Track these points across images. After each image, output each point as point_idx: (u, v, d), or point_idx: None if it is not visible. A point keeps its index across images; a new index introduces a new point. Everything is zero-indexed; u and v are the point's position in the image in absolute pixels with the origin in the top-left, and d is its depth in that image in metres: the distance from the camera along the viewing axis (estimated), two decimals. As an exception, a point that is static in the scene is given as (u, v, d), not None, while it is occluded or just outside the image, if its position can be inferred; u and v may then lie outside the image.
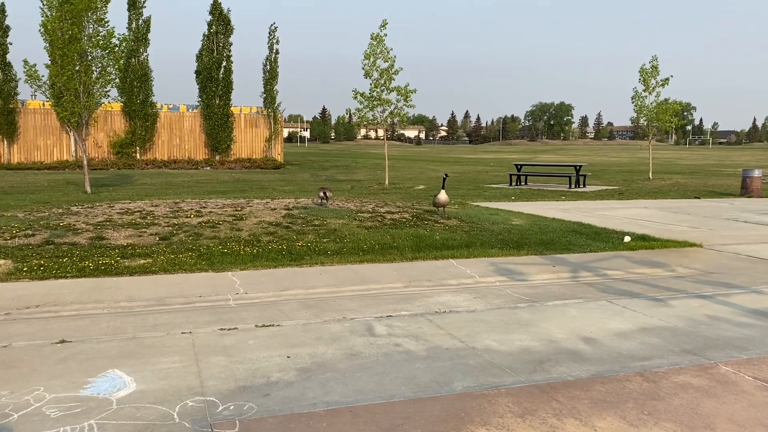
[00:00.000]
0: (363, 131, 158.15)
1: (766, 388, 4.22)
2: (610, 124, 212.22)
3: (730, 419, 3.75)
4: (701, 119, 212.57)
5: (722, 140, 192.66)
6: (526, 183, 23.32)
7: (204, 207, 11.79)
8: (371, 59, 20.79)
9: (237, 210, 11.28)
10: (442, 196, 11.90)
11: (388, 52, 20.74)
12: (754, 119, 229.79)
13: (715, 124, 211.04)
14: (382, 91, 20.94)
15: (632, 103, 25.97)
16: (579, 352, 4.99)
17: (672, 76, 25.08)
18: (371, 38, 20.70)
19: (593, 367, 4.67)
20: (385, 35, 20.75)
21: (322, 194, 12.21)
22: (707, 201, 17.67)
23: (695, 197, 18.75)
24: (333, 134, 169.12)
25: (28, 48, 22.04)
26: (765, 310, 6.31)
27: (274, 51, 36.15)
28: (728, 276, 7.98)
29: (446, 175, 12.82)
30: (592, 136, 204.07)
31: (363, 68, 20.89)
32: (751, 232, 11.64)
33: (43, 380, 4.27)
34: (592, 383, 4.28)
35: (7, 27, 31.85)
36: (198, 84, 34.92)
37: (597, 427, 3.62)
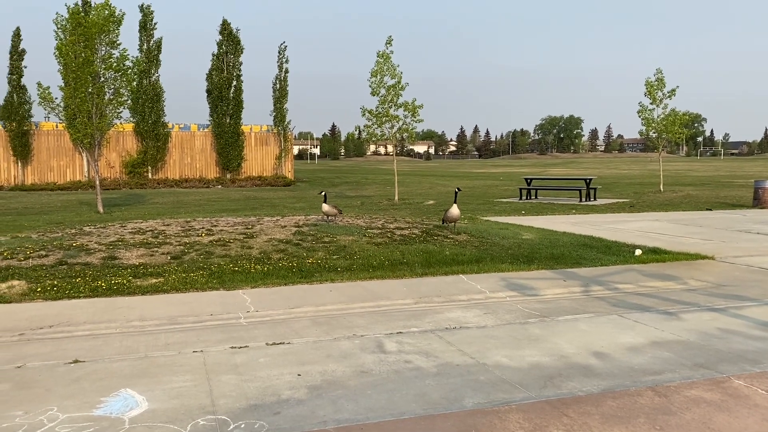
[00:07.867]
0: (372, 147, 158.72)
1: (780, 402, 4.18)
2: (620, 136, 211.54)
3: (742, 434, 3.72)
4: (712, 130, 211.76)
5: (734, 151, 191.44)
6: (536, 197, 23.30)
7: (215, 225, 11.87)
8: (378, 76, 20.96)
9: (248, 228, 11.35)
10: (454, 210, 11.85)
11: (395, 69, 20.92)
12: (766, 129, 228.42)
13: (726, 134, 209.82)
14: (390, 107, 21.09)
15: (639, 116, 25.99)
16: (590, 367, 4.97)
17: (678, 87, 25.12)
18: (378, 56, 20.91)
19: (604, 382, 4.65)
20: (392, 52, 20.99)
21: (326, 209, 12.01)
22: (719, 213, 17.56)
23: (707, 209, 18.64)
24: (343, 151, 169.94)
25: (42, 71, 22.38)
26: (778, 322, 6.26)
27: (284, 70, 36.56)
28: (741, 288, 7.92)
29: (458, 188, 12.80)
30: (603, 148, 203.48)
31: (370, 86, 21.07)
32: (763, 243, 11.55)
33: (56, 400, 4.32)
34: (603, 398, 4.27)
35: (23, 51, 32.41)
36: (209, 103, 35.33)
37: (608, 443, 3.61)
